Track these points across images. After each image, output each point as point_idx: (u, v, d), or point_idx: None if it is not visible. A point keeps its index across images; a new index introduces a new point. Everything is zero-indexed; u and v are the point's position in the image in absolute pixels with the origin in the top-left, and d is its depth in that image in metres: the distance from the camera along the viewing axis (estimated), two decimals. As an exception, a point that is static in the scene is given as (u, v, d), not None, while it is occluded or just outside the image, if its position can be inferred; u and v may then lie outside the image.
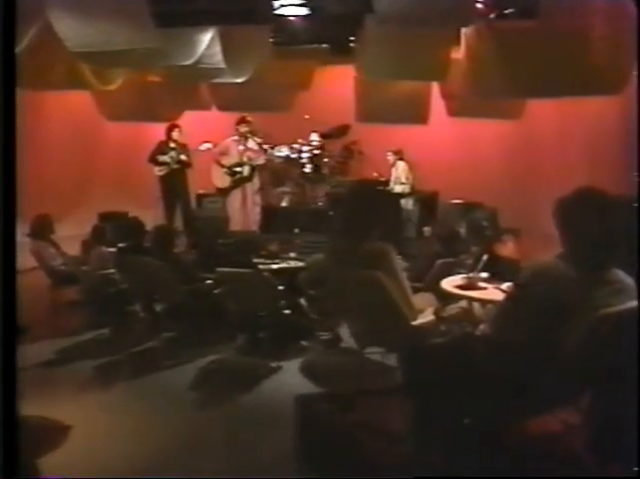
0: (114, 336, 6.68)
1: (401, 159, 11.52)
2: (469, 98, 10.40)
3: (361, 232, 4.83)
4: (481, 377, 2.60)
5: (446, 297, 5.10)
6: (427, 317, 4.72)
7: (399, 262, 4.81)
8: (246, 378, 5.58)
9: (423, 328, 4.49)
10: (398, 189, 11.25)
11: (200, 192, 11.98)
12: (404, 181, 11.25)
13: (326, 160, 11.75)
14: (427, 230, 7.17)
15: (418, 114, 11.52)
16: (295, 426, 3.99)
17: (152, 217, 10.87)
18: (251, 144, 10.30)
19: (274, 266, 6.69)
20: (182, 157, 10.80)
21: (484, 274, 5.09)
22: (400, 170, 11.42)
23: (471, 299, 4.83)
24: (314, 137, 11.58)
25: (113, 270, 6.85)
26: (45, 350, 6.16)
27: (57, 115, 12.53)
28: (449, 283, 5.25)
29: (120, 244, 6.89)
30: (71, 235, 8.93)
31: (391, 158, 11.57)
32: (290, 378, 5.50)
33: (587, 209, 2.82)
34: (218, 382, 5.62)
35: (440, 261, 6.08)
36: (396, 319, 4.51)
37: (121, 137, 13.00)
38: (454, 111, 11.57)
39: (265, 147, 10.43)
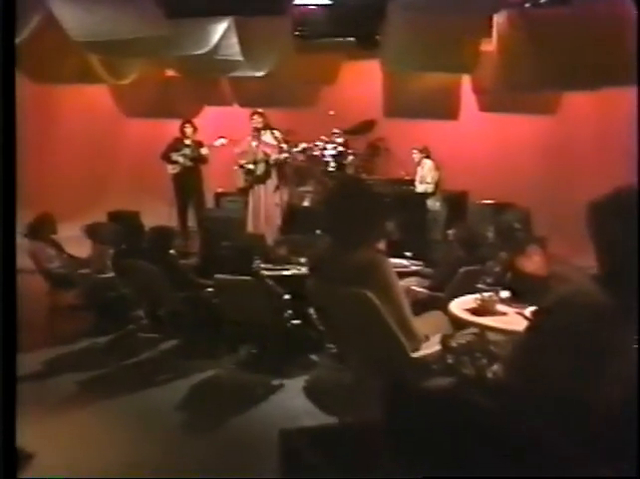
0: (108, 346, 6.18)
1: (427, 156, 10.93)
2: (501, 92, 9.99)
3: (347, 238, 3.82)
4: (489, 436, 2.00)
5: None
6: (432, 347, 3.72)
7: (396, 277, 3.84)
8: (243, 398, 5.01)
9: (423, 362, 3.56)
10: (421, 188, 10.65)
11: (219, 190, 11.55)
12: (429, 180, 10.65)
13: (350, 157, 11.21)
14: (452, 232, 6.58)
15: (448, 109, 11.08)
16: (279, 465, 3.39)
17: (167, 216, 10.58)
18: (267, 138, 9.70)
19: (284, 272, 6.14)
20: (197, 153, 10.37)
21: (504, 294, 4.26)
22: (426, 168, 10.82)
23: (485, 329, 3.85)
24: (337, 135, 11.07)
25: (112, 274, 6.39)
26: (32, 361, 5.65)
27: (74, 110, 12.26)
28: (459, 306, 4.32)
29: (117, 246, 6.43)
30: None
31: (416, 156, 10.99)
32: (291, 400, 4.93)
33: (629, 215, 2.12)
34: (211, 402, 5.05)
35: (463, 269, 5.46)
36: (392, 349, 3.64)
37: (140, 133, 12.66)
38: (485, 105, 11.09)
39: (283, 143, 9.83)
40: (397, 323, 3.64)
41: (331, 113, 11.12)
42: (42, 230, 7.09)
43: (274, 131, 9.79)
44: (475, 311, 4.09)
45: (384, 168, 11.57)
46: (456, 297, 5.49)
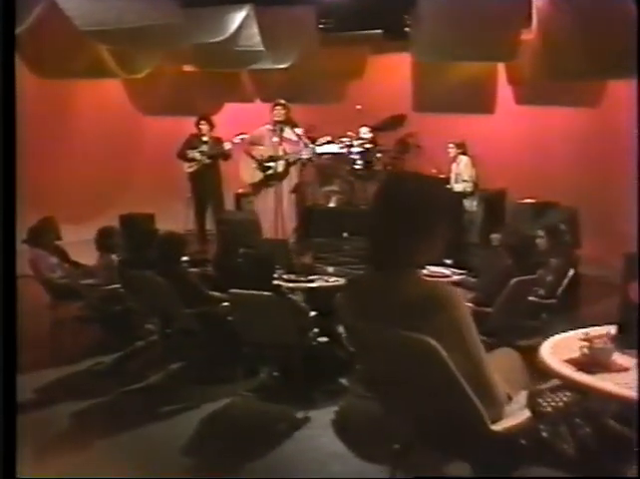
0: (110, 369, 5.51)
1: (464, 153, 10.27)
2: (540, 82, 9.25)
3: (401, 257, 2.62)
4: None
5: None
6: (518, 414, 2.55)
7: (470, 317, 2.56)
8: (262, 436, 4.31)
9: (510, 439, 2.40)
10: (459, 187, 9.96)
11: (240, 191, 10.96)
12: (466, 178, 9.96)
13: (379, 155, 10.69)
14: (495, 237, 5.90)
15: (482, 102, 10.46)
16: None
17: (184, 218, 10.30)
18: (288, 134, 8.94)
19: (309, 285, 5.48)
20: (215, 150, 9.82)
21: (611, 330, 2.87)
22: (462, 165, 10.16)
23: (600, 393, 2.49)
24: (364, 131, 10.49)
25: (118, 285, 5.78)
26: (28, 385, 4.99)
27: (85, 106, 11.76)
28: (555, 353, 2.85)
29: (124, 254, 5.82)
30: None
31: (452, 151, 10.35)
32: (318, 438, 4.20)
33: None
34: (225, 441, 4.34)
35: (515, 280, 4.78)
36: (464, 419, 2.49)
37: (156, 131, 12.13)
38: (523, 98, 10.42)
39: (306, 140, 9.11)
40: (471, 382, 2.47)
41: (358, 108, 10.60)
42: (43, 235, 6.48)
43: (295, 128, 9.08)
44: (579, 364, 2.69)
45: (414, 165, 10.95)
46: (505, 311, 4.83)
